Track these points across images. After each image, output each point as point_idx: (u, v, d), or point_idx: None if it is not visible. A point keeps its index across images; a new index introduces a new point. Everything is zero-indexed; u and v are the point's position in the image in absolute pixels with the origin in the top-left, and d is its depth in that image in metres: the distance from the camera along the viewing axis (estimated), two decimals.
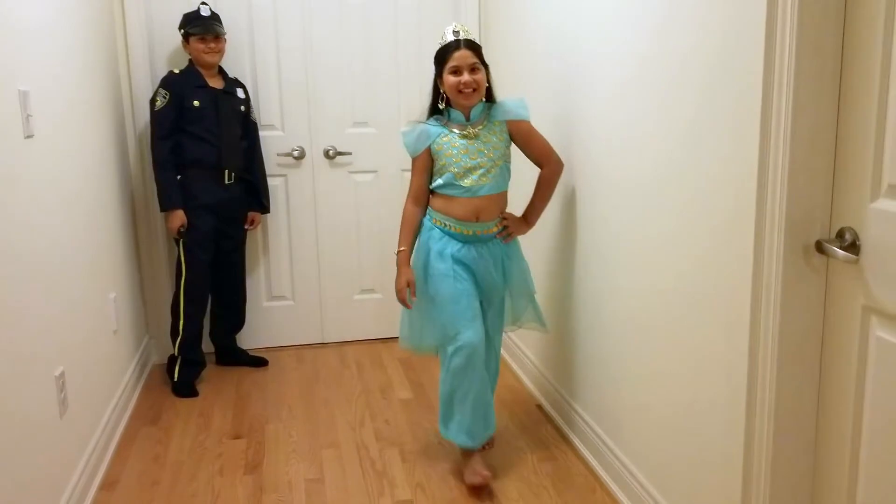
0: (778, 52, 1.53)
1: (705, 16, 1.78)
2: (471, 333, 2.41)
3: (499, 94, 2.55)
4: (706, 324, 1.87)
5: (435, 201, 2.52)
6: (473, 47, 2.40)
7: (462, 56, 2.37)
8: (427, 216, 2.54)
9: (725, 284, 1.76)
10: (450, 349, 2.43)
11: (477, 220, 2.47)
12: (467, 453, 2.53)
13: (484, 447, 2.66)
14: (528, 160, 2.59)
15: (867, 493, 1.52)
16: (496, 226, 2.52)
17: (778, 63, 1.53)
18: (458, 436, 2.51)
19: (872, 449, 1.50)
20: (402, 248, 2.52)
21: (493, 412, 2.57)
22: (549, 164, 2.55)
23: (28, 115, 2.14)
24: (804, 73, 1.51)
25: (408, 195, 2.55)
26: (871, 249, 1.47)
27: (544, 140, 2.55)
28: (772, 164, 1.58)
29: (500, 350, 2.74)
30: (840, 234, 1.54)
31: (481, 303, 2.52)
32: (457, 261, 2.46)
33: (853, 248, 1.50)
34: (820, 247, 1.55)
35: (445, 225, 2.48)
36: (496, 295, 2.59)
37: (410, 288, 2.49)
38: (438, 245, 2.48)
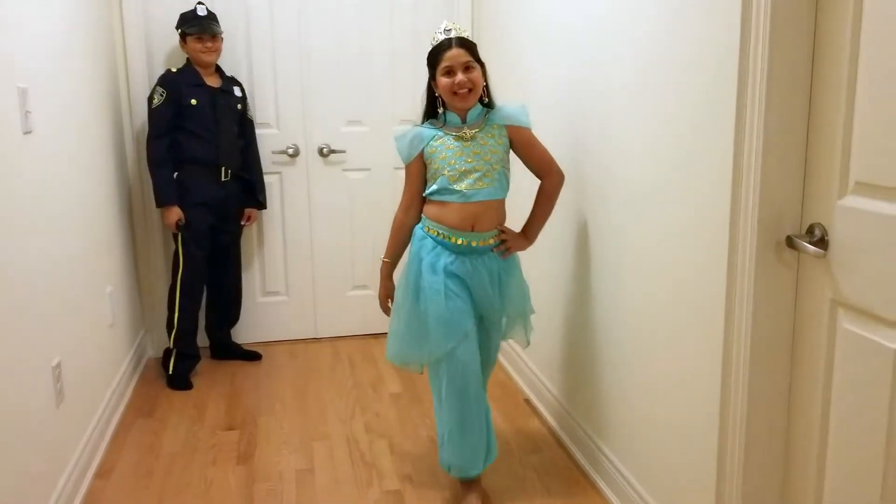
0: (752, 60, 1.59)
1: (685, 21, 1.84)
2: (460, 353, 2.27)
3: (496, 96, 2.40)
4: (689, 321, 1.93)
5: (428, 208, 2.36)
6: (466, 45, 2.27)
7: (454, 55, 2.23)
8: (420, 225, 2.38)
9: (704, 280, 1.82)
10: (441, 370, 2.30)
11: (472, 229, 2.30)
12: (466, 484, 2.41)
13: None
14: (528, 172, 2.45)
15: (834, 476, 1.58)
16: (493, 238, 2.36)
17: (752, 70, 1.59)
18: (453, 464, 2.37)
19: (839, 434, 1.56)
20: (385, 259, 2.45)
21: (494, 437, 2.42)
22: (550, 176, 2.41)
23: (27, 112, 2.19)
24: (776, 79, 1.56)
25: (399, 203, 2.43)
26: (839, 244, 1.52)
27: (546, 150, 2.41)
28: (745, 164, 1.64)
29: (493, 367, 2.57)
30: (810, 230, 1.60)
31: (482, 319, 2.39)
32: (449, 274, 2.29)
33: (822, 243, 1.56)
34: (791, 242, 1.61)
35: (438, 234, 2.31)
36: (494, 315, 2.42)
37: (390, 300, 2.46)
38: (430, 257, 2.31)
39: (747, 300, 1.66)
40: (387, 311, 2.49)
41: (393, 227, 2.44)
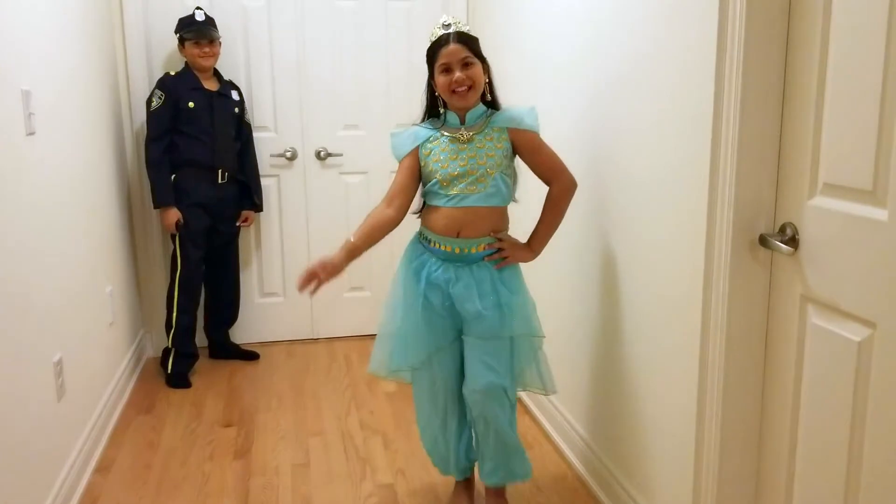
0: (727, 67, 1.66)
1: (665, 30, 1.91)
2: (436, 365, 2.25)
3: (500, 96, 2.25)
4: (669, 317, 1.99)
5: (423, 212, 2.25)
6: (465, 40, 2.09)
7: (452, 51, 2.07)
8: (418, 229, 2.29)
9: (682, 277, 1.89)
10: (419, 378, 2.32)
11: (458, 235, 2.15)
12: (460, 483, 2.46)
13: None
14: (537, 178, 2.27)
15: (804, 463, 1.64)
16: (486, 245, 2.17)
17: (727, 77, 1.67)
18: (438, 465, 2.44)
19: (808, 422, 1.62)
20: (353, 239, 2.23)
21: (473, 452, 2.39)
22: (559, 182, 2.20)
23: (30, 114, 2.26)
24: (751, 87, 1.63)
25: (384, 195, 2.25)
26: (808, 243, 1.59)
27: (555, 155, 2.21)
28: (722, 167, 1.71)
29: (505, 393, 2.21)
30: (782, 229, 1.66)
31: (471, 339, 2.20)
32: (430, 285, 2.18)
33: (793, 241, 1.63)
34: (764, 241, 1.68)
35: (426, 239, 2.22)
36: (487, 331, 2.16)
37: (322, 275, 2.18)
38: (416, 264, 2.23)
39: (723, 296, 1.73)
40: (307, 281, 2.18)
41: (370, 213, 2.26)
